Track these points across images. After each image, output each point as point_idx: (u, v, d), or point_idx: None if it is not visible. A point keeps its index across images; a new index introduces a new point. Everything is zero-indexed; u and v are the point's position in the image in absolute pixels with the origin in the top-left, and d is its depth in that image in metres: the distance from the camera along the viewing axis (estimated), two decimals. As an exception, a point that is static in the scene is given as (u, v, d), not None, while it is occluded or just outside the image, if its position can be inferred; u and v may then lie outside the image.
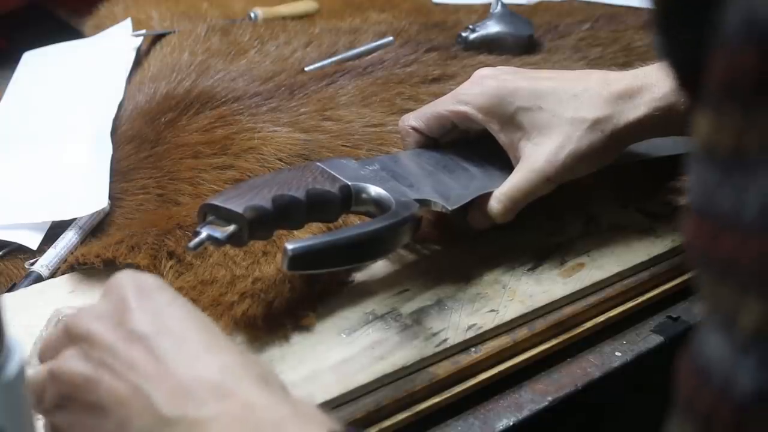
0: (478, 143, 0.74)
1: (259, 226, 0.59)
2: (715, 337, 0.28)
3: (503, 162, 0.72)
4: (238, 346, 0.47)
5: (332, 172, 0.65)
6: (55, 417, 0.47)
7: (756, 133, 0.26)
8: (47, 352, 0.48)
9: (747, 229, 0.26)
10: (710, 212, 0.28)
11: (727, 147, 0.27)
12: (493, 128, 0.71)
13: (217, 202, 0.59)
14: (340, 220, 0.68)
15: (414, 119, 0.74)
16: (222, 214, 0.59)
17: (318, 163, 0.67)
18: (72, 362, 0.46)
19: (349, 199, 0.65)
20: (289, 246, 0.56)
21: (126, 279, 0.47)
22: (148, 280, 0.47)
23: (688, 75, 0.36)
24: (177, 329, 0.45)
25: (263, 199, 0.60)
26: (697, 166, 0.28)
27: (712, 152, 0.28)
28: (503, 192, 0.69)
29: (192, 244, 0.57)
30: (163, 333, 0.44)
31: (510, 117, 0.70)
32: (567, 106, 0.69)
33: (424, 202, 0.67)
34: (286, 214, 0.61)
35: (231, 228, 0.58)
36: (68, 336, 0.47)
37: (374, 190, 0.65)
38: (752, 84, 0.26)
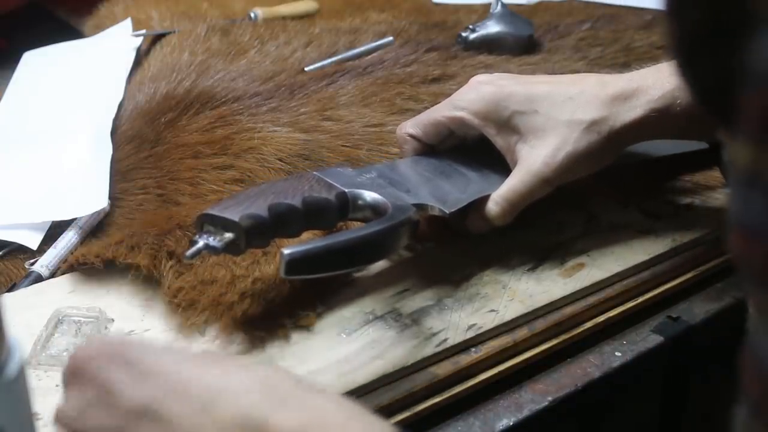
0: (475, 149, 0.74)
1: (255, 234, 0.60)
2: None
3: (501, 166, 0.72)
4: (231, 364, 0.43)
5: (328, 180, 0.66)
6: None
7: None
8: None
9: None
10: (761, 233, 0.29)
11: None
12: (490, 132, 0.71)
13: (213, 211, 0.60)
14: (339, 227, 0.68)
15: (411, 126, 0.74)
16: (219, 223, 0.59)
17: (314, 172, 0.67)
18: None
19: (345, 206, 0.65)
20: (286, 251, 0.56)
21: (86, 359, 0.43)
22: (106, 344, 0.43)
23: (712, 101, 0.37)
24: (167, 381, 0.41)
25: (260, 208, 0.60)
26: (741, 189, 0.30)
27: (755, 179, 0.29)
28: (501, 195, 0.69)
29: (189, 253, 0.58)
30: (158, 399, 0.41)
31: (506, 121, 0.70)
32: (563, 109, 0.69)
33: (421, 207, 0.67)
34: (282, 222, 0.61)
35: (228, 237, 0.59)
36: None
37: (370, 195, 0.65)
38: None
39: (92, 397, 0.42)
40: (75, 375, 0.43)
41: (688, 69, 0.36)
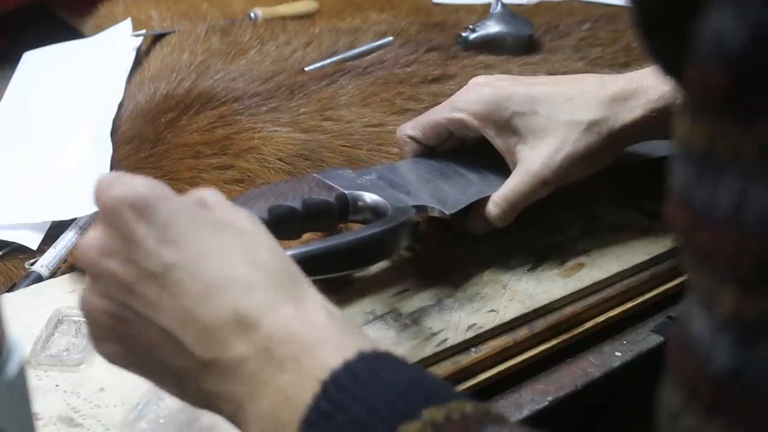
0: (475, 150, 0.74)
1: None
2: (699, 315, 0.30)
3: (501, 167, 0.72)
4: (252, 251, 0.45)
5: (329, 182, 0.66)
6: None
7: (725, 142, 0.28)
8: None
9: (720, 225, 0.29)
10: (689, 204, 0.30)
11: (701, 149, 0.29)
12: (489, 134, 0.71)
13: None
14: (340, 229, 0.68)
15: (411, 128, 0.74)
16: None
17: (314, 174, 0.67)
18: (97, 301, 0.45)
19: (346, 208, 0.65)
20: (287, 253, 0.56)
21: (121, 202, 0.45)
22: (142, 195, 0.44)
23: (674, 76, 0.38)
24: (186, 255, 0.43)
25: (259, 210, 0.60)
26: (678, 159, 0.31)
27: (689, 151, 0.30)
28: (501, 196, 0.69)
29: None
30: (173, 268, 0.43)
31: (506, 122, 0.70)
32: (562, 110, 0.69)
33: (421, 208, 0.67)
34: (283, 224, 0.61)
35: None
36: (85, 268, 0.46)
37: (370, 197, 0.65)
38: (721, 100, 0.28)
39: (116, 245, 0.44)
40: (107, 216, 0.45)
41: (651, 49, 0.38)
